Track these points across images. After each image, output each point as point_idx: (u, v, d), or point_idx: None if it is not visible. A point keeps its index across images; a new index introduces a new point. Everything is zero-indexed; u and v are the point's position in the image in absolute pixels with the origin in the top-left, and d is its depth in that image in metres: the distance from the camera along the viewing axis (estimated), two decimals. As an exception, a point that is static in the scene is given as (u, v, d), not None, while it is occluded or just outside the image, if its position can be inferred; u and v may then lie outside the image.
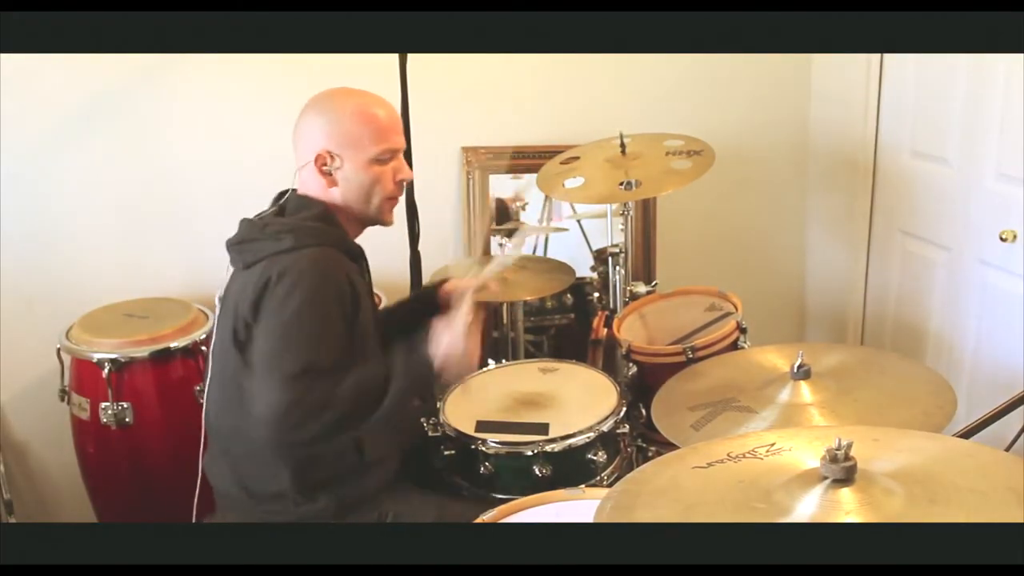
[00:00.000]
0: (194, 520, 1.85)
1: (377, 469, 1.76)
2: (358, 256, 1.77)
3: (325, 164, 1.69)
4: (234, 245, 1.71)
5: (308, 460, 1.68)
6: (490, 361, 2.19)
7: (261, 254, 1.65)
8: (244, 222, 1.73)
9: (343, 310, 1.63)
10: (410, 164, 2.17)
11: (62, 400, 2.29)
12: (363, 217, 1.76)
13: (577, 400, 1.97)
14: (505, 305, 2.64)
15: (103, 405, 2.15)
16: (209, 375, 1.74)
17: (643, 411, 2.06)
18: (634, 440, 2.06)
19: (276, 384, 1.55)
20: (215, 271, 1.81)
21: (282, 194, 1.76)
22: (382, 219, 1.77)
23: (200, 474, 1.81)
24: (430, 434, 1.92)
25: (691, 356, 2.00)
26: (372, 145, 1.69)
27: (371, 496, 1.74)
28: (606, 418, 1.87)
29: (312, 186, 1.72)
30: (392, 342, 1.73)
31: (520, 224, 2.75)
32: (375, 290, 2.42)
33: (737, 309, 2.17)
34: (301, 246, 1.63)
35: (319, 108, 1.72)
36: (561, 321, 2.80)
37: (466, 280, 1.93)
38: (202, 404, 1.79)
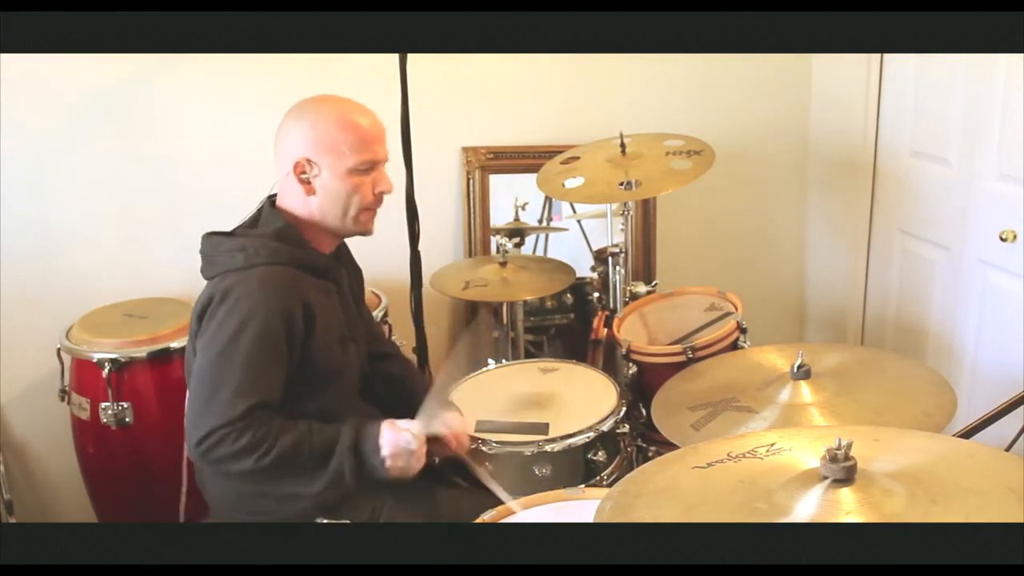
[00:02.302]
0: (181, 520, 1.85)
1: None
2: (326, 270, 1.71)
3: (304, 172, 1.66)
4: (202, 258, 1.70)
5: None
6: (490, 361, 2.19)
7: (216, 270, 1.64)
8: (205, 237, 1.71)
9: (290, 332, 1.58)
10: (410, 164, 2.17)
11: (62, 400, 2.29)
12: (340, 228, 1.71)
13: (577, 400, 1.97)
14: (505, 305, 2.64)
15: (103, 405, 2.15)
16: (187, 380, 1.75)
17: (643, 411, 2.06)
18: (634, 440, 2.06)
19: (204, 406, 1.53)
20: (215, 271, 1.80)
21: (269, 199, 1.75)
22: (360, 230, 1.73)
23: (185, 476, 1.81)
24: (430, 434, 1.91)
25: (691, 356, 2.00)
26: (353, 154, 1.65)
27: (355, 496, 1.72)
28: (606, 418, 1.87)
29: (290, 194, 1.69)
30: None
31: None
32: (375, 290, 2.43)
33: (737, 309, 2.17)
34: (251, 265, 1.60)
35: (299, 114, 1.68)
36: (561, 321, 2.80)
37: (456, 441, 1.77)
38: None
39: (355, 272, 1.89)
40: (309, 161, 1.65)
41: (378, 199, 1.72)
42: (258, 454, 1.53)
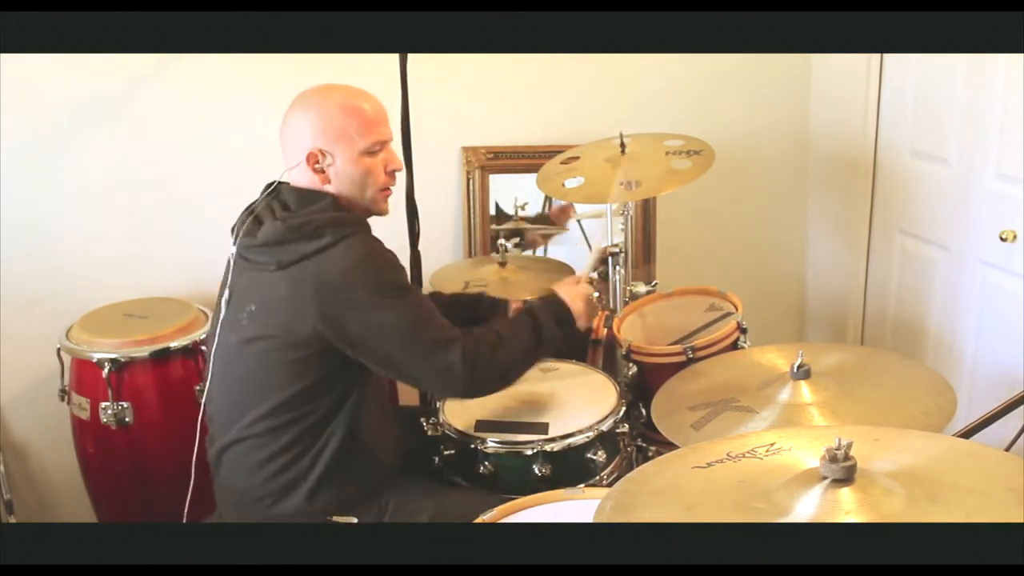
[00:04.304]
0: (184, 519, 1.86)
1: (376, 465, 1.77)
2: None
3: (317, 162, 1.69)
4: (259, 247, 1.66)
5: (317, 463, 1.70)
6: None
7: (297, 254, 1.63)
8: (272, 224, 1.66)
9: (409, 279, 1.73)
10: (410, 164, 2.18)
11: (62, 400, 2.29)
12: (359, 210, 1.75)
13: (577, 400, 1.97)
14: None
15: (103, 405, 2.15)
16: (211, 375, 1.75)
17: (643, 411, 2.06)
18: (634, 440, 2.06)
19: (433, 354, 1.64)
20: (215, 271, 1.81)
21: (269, 186, 1.75)
22: (377, 210, 1.78)
23: (193, 476, 1.82)
24: (430, 434, 1.92)
25: (691, 356, 2.00)
26: (361, 138, 1.70)
27: (371, 490, 1.75)
28: (606, 418, 1.87)
29: (305, 184, 1.72)
30: None
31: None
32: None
33: (737, 309, 2.17)
34: (342, 236, 1.65)
35: (304, 106, 1.72)
36: (561, 321, 2.79)
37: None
38: (202, 404, 1.80)
39: None
40: (322, 151, 1.69)
41: (391, 177, 1.78)
42: (489, 351, 1.70)
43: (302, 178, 1.72)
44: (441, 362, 1.65)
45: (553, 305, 1.85)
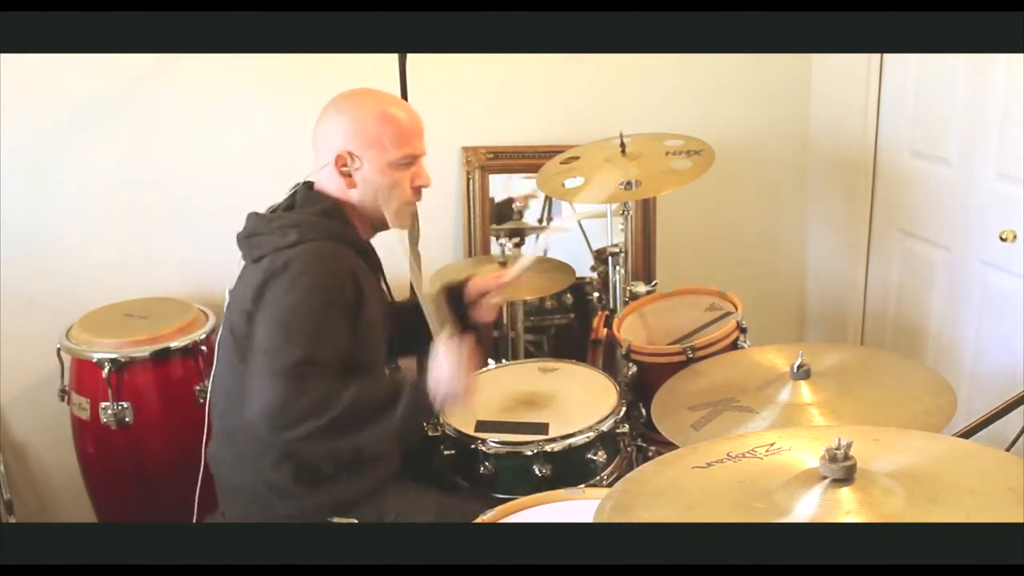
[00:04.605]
0: (195, 516, 1.86)
1: (376, 467, 1.77)
2: (366, 252, 1.76)
3: (345, 165, 1.69)
4: (243, 239, 1.71)
5: (309, 456, 1.69)
6: (490, 361, 2.19)
7: (267, 248, 1.65)
8: (252, 216, 1.73)
9: (346, 305, 1.62)
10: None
11: (62, 400, 2.29)
12: (377, 220, 1.74)
13: (577, 400, 1.97)
14: (505, 305, 2.64)
15: (103, 405, 2.15)
16: (215, 366, 1.76)
17: (643, 411, 2.06)
18: (634, 440, 2.06)
19: (273, 378, 1.54)
20: (215, 271, 1.81)
21: (295, 187, 1.76)
22: (398, 223, 1.75)
23: (201, 472, 1.82)
24: (430, 434, 1.92)
25: (691, 356, 2.00)
26: (394, 148, 1.69)
27: (370, 493, 1.75)
28: (606, 418, 1.87)
29: (330, 186, 1.72)
30: (414, 338, 1.75)
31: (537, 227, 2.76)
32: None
33: (737, 309, 2.17)
34: (304, 240, 1.62)
35: (341, 108, 1.72)
36: (561, 321, 2.80)
37: (490, 277, 1.91)
38: (202, 403, 1.81)
39: None
40: (351, 154, 1.68)
41: (417, 193, 1.77)
42: (336, 414, 1.53)
43: (328, 180, 1.71)
44: (272, 390, 1.54)
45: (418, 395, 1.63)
